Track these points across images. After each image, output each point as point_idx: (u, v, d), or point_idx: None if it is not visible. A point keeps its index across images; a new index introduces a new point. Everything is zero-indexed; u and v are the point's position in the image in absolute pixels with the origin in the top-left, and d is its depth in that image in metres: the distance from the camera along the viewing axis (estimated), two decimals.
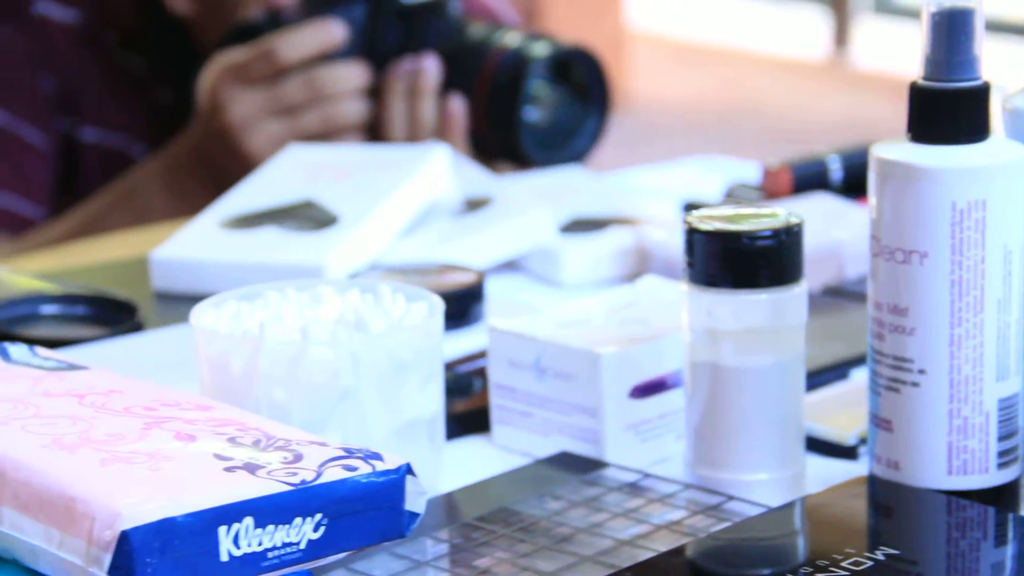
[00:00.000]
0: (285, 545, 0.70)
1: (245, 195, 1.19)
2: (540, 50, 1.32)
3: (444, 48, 1.34)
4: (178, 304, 1.12)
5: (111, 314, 1.08)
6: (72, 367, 0.82)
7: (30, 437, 0.73)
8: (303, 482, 0.71)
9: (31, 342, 0.95)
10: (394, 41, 1.35)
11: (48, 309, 1.08)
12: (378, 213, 1.14)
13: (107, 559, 0.66)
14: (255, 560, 0.69)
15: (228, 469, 0.71)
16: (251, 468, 0.71)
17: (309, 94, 1.31)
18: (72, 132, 1.43)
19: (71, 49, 1.41)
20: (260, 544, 0.69)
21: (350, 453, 0.73)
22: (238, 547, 0.69)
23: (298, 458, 0.72)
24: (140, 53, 1.42)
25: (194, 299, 1.10)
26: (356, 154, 1.22)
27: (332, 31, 1.31)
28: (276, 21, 1.34)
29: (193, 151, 1.34)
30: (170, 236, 1.19)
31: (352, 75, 1.32)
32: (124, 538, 0.66)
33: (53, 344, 0.99)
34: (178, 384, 0.82)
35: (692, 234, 0.82)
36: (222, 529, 0.69)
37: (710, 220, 0.82)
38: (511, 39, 1.33)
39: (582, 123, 1.35)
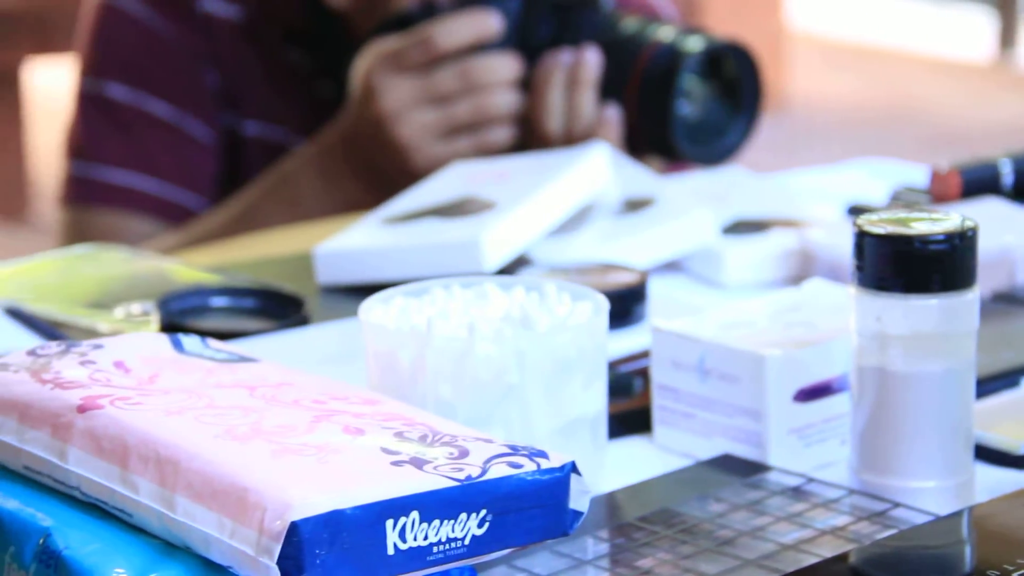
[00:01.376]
0: (450, 540, 0.71)
1: (407, 200, 1.21)
2: (694, 45, 1.32)
3: (596, 41, 1.34)
4: (342, 299, 1.14)
5: (279, 307, 1.10)
6: (243, 359, 0.83)
7: (203, 427, 0.74)
8: (468, 478, 0.71)
9: (201, 334, 0.96)
10: (547, 34, 1.35)
11: (218, 301, 1.10)
12: (535, 199, 1.14)
13: (277, 549, 0.67)
14: (420, 554, 0.70)
15: (395, 463, 0.72)
16: (418, 463, 0.72)
17: (462, 84, 1.31)
18: (235, 126, 1.45)
19: (235, 45, 1.43)
20: (425, 538, 0.70)
21: (515, 450, 0.74)
22: (404, 541, 0.70)
23: (464, 454, 0.73)
24: (302, 47, 1.44)
25: (357, 294, 1.12)
26: (518, 161, 1.23)
27: (489, 21, 1.32)
28: (430, 12, 1.34)
29: (345, 138, 1.35)
30: (331, 231, 1.20)
31: (505, 66, 1.32)
32: (294, 529, 0.67)
33: (222, 336, 1.00)
34: (344, 378, 0.83)
35: (862, 237, 0.81)
36: (389, 522, 0.69)
37: (880, 223, 0.81)
38: (665, 33, 1.33)
39: (734, 119, 1.34)
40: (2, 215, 3.57)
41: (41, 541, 0.72)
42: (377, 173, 1.33)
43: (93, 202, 1.42)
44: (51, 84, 4.03)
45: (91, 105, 1.43)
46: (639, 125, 1.33)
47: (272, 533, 0.67)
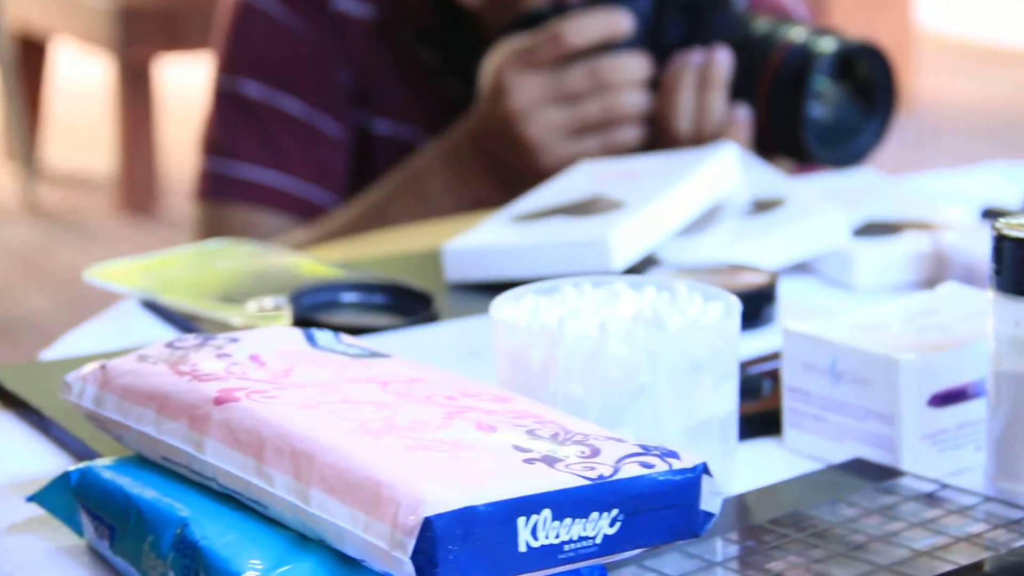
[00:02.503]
0: (581, 539, 0.71)
1: (535, 198, 1.21)
2: (826, 46, 1.31)
3: (727, 42, 1.33)
4: (469, 296, 1.14)
5: (408, 304, 1.10)
6: (375, 355, 0.84)
7: (337, 421, 0.75)
8: (600, 477, 0.71)
9: (332, 329, 0.97)
10: (678, 34, 1.34)
11: (348, 297, 1.11)
12: (664, 198, 1.14)
13: (411, 544, 0.67)
14: (552, 552, 0.70)
15: (527, 461, 0.72)
16: (549, 461, 0.72)
17: (592, 83, 1.31)
18: (366, 124, 1.46)
19: (367, 43, 1.44)
20: (557, 536, 0.70)
21: (647, 450, 0.74)
22: (536, 538, 0.70)
23: (595, 453, 0.73)
24: (433, 46, 1.45)
25: (485, 291, 1.13)
26: (646, 160, 1.23)
27: (619, 20, 1.32)
28: (561, 10, 1.34)
29: (473, 136, 1.35)
30: (458, 229, 1.21)
31: (635, 65, 1.32)
32: (428, 524, 0.68)
33: (352, 331, 1.01)
34: (472, 375, 0.84)
35: (1001, 241, 0.80)
36: (521, 520, 0.69)
37: (1020, 227, 0.80)
38: (797, 34, 1.32)
39: (866, 121, 1.33)
40: (133, 210, 3.62)
41: (178, 531, 0.73)
42: (504, 171, 1.34)
43: (227, 197, 1.44)
44: (181, 81, 4.08)
45: (226, 102, 1.44)
46: (769, 126, 1.33)
47: (406, 528, 0.68)
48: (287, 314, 1.07)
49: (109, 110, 3.72)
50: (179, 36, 3.53)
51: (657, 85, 1.33)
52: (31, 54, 3.81)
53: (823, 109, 1.32)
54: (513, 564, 0.70)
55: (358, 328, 1.03)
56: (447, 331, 1.07)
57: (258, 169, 1.43)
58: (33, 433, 0.92)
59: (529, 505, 0.69)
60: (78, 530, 0.79)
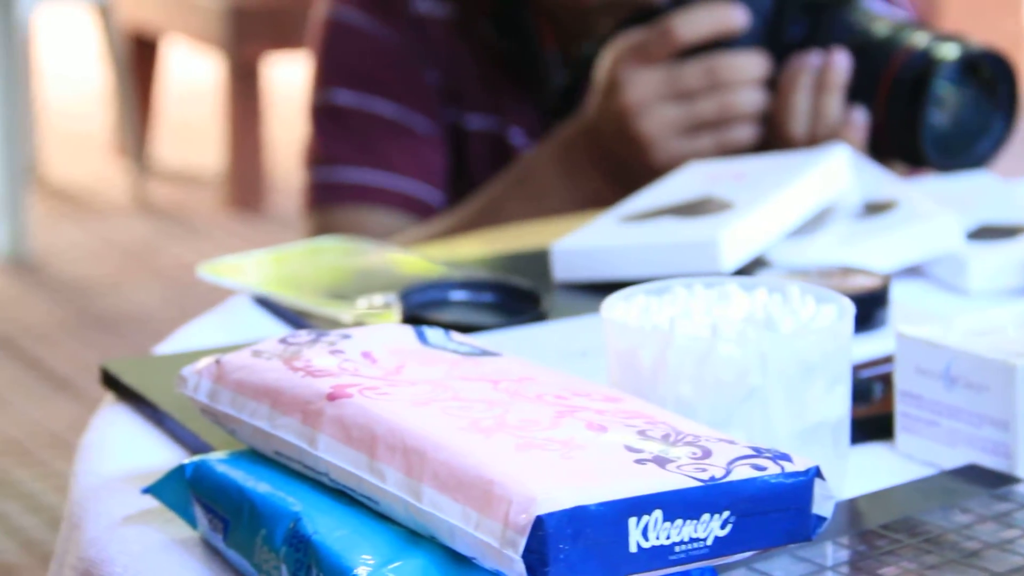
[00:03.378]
0: (692, 540, 0.71)
1: (644, 198, 1.21)
2: (949, 52, 1.29)
3: (847, 43, 1.32)
4: (577, 295, 1.14)
5: (516, 303, 1.10)
6: (485, 353, 0.84)
7: (449, 419, 0.75)
8: (712, 479, 0.71)
9: (441, 327, 0.97)
10: (798, 34, 1.33)
11: (457, 295, 1.11)
12: (774, 200, 1.13)
13: (522, 542, 0.68)
14: (662, 553, 0.70)
15: (638, 461, 0.72)
16: (661, 461, 0.72)
17: (708, 80, 1.30)
18: (458, 121, 1.46)
19: (449, 41, 1.45)
20: (668, 538, 0.70)
21: (758, 452, 0.73)
22: (647, 539, 0.70)
23: (707, 454, 0.73)
24: (511, 38, 1.45)
25: (592, 290, 1.13)
26: (756, 161, 1.22)
27: (732, 15, 1.31)
28: (679, 4, 1.34)
29: (587, 131, 1.35)
30: (567, 229, 1.21)
31: (753, 64, 1.31)
32: (539, 523, 0.68)
33: (461, 329, 1.01)
34: (581, 374, 0.84)
35: None
36: (632, 520, 0.69)
37: None
38: (919, 39, 1.30)
39: (986, 127, 1.31)
40: (240, 206, 3.65)
41: (291, 525, 0.73)
42: (617, 167, 1.33)
43: (334, 202, 1.45)
44: (289, 79, 4.11)
45: (322, 115, 1.46)
46: (886, 131, 1.31)
47: (517, 526, 0.68)
48: (396, 311, 1.08)
49: (218, 108, 3.76)
50: (287, 35, 3.56)
51: (775, 84, 1.32)
52: (143, 53, 3.85)
53: (942, 115, 1.31)
54: (623, 564, 0.69)
55: (467, 326, 1.03)
56: (555, 330, 1.07)
57: (360, 171, 1.44)
58: (147, 426, 0.93)
59: (640, 505, 0.69)
60: (192, 522, 0.80)
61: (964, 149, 1.32)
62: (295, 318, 1.09)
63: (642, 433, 0.74)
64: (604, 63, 1.33)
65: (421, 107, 1.44)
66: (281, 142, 3.87)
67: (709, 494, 0.71)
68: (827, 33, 1.32)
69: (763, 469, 0.72)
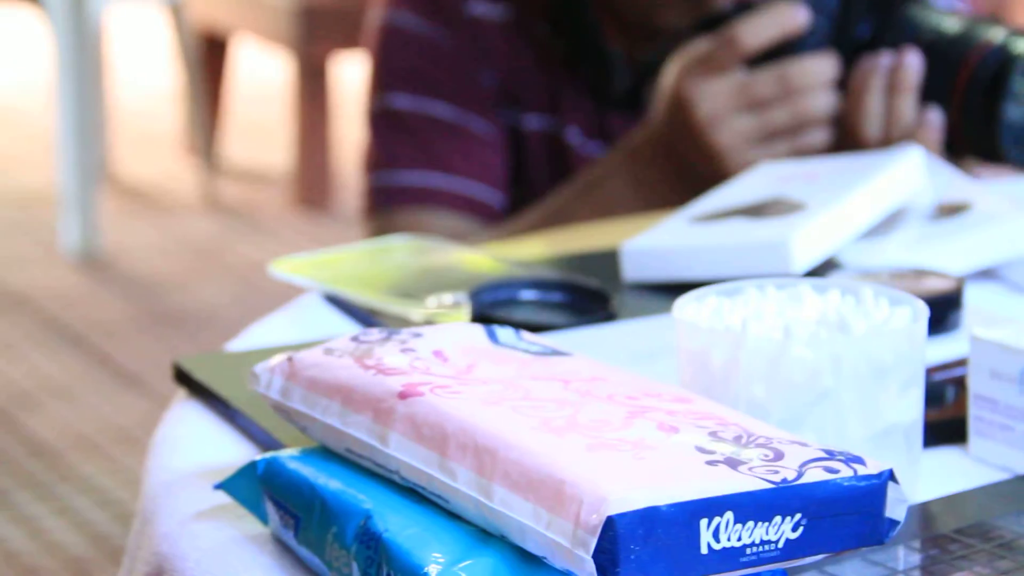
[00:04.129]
0: (763, 543, 0.70)
1: (715, 199, 1.20)
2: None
3: (918, 41, 1.31)
4: (646, 295, 1.14)
5: (586, 302, 1.10)
6: (556, 352, 0.84)
7: (520, 418, 0.75)
8: (784, 481, 0.71)
9: (511, 326, 0.97)
10: (866, 32, 1.32)
11: (526, 295, 1.11)
12: (846, 201, 1.13)
13: (593, 542, 0.67)
14: (733, 555, 0.70)
15: (710, 463, 0.72)
16: (732, 463, 0.72)
17: (780, 89, 1.29)
18: (516, 122, 1.46)
19: (506, 43, 1.45)
20: (739, 539, 0.70)
21: (831, 455, 0.73)
22: (718, 541, 0.69)
23: (779, 456, 0.72)
24: (570, 37, 1.45)
25: (661, 291, 1.12)
26: (828, 162, 1.22)
27: (794, 16, 1.30)
28: (744, 9, 1.33)
29: (658, 145, 1.34)
30: (634, 229, 1.21)
31: (823, 68, 1.30)
32: (610, 523, 0.67)
33: (530, 329, 1.01)
34: (651, 375, 0.83)
35: None
36: (703, 522, 0.69)
37: None
38: (995, 34, 1.29)
39: None
40: (307, 205, 3.67)
41: (362, 523, 0.74)
42: (690, 177, 1.33)
43: (394, 205, 1.45)
44: (357, 78, 4.11)
45: (380, 120, 1.46)
46: (964, 129, 1.30)
47: (588, 526, 0.68)
48: (466, 310, 1.08)
49: (287, 107, 3.77)
50: (356, 34, 3.57)
51: (845, 85, 1.31)
52: (213, 52, 3.87)
53: (1019, 110, 1.30)
54: (694, 566, 0.69)
55: (536, 326, 1.03)
56: (624, 330, 1.07)
57: (420, 173, 1.44)
58: (219, 422, 0.94)
59: (712, 507, 0.69)
60: (263, 519, 0.80)
61: None
62: (365, 316, 1.10)
63: (713, 434, 0.74)
64: (671, 75, 1.32)
65: (478, 108, 1.44)
66: (348, 141, 3.88)
67: (781, 496, 0.70)
68: (896, 31, 1.31)
69: (836, 472, 0.72)
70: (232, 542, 0.80)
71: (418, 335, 0.84)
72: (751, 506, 0.70)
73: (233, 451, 0.90)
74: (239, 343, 1.06)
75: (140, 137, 4.04)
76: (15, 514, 2.36)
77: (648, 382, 0.81)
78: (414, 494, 0.76)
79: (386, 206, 1.45)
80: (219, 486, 0.81)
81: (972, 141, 1.30)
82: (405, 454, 0.75)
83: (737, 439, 0.74)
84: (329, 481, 0.77)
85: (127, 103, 4.18)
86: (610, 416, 0.76)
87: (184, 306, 3.15)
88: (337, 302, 1.12)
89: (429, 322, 1.07)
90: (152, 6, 3.87)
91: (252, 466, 0.80)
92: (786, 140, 1.30)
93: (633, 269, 1.16)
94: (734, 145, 1.29)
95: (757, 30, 1.29)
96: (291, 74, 3.64)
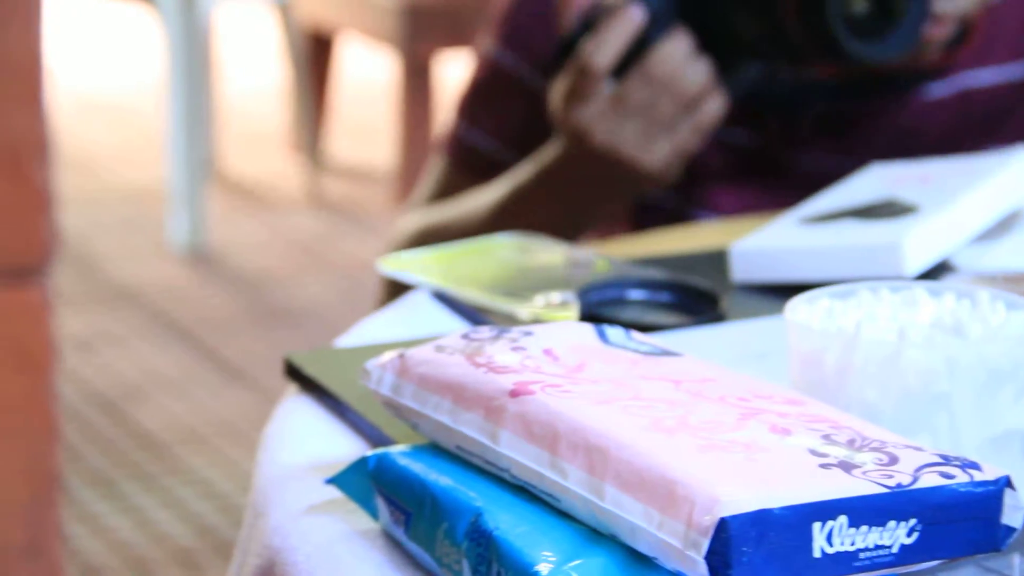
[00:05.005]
0: (877, 547, 0.70)
1: (826, 200, 1.20)
2: None
3: None
4: (755, 296, 1.13)
5: (694, 303, 1.10)
6: (666, 352, 0.84)
7: (631, 418, 0.75)
8: (899, 485, 0.70)
9: (620, 325, 0.97)
10: None
11: (635, 294, 1.11)
12: (960, 203, 1.12)
13: (705, 544, 0.67)
14: (847, 559, 0.69)
15: (823, 466, 0.71)
16: (846, 467, 0.71)
17: (650, 87, 1.29)
18: None
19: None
20: (852, 544, 0.69)
21: (946, 460, 0.72)
22: (831, 545, 0.69)
23: (893, 460, 0.72)
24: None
25: (771, 292, 1.12)
26: (942, 164, 1.20)
27: (631, 18, 1.28)
28: (589, 23, 1.31)
29: (573, 167, 1.34)
30: (744, 229, 1.20)
31: (678, 47, 1.29)
32: (723, 525, 0.67)
33: (639, 329, 1.01)
34: (760, 376, 0.83)
35: None
36: (816, 525, 0.69)
37: None
38: None
39: (903, 13, 1.26)
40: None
41: (473, 520, 0.74)
42: (611, 188, 1.33)
43: (454, 158, 1.45)
44: (460, 77, 4.13)
45: (483, 65, 1.45)
46: (802, 31, 1.26)
47: (701, 528, 0.67)
48: (574, 309, 1.08)
49: (391, 105, 3.79)
50: (461, 33, 3.58)
51: (706, 35, 1.29)
52: (320, 50, 3.90)
53: (860, 2, 1.26)
54: (807, 569, 0.69)
55: (645, 326, 1.03)
56: (734, 331, 1.06)
57: (489, 139, 1.43)
58: (329, 417, 0.94)
59: (825, 511, 0.69)
60: (373, 514, 0.81)
61: (884, 33, 1.26)
62: (472, 314, 1.10)
63: (827, 437, 0.73)
64: (554, 112, 1.32)
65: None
66: None
67: (896, 501, 0.70)
68: None
69: (952, 477, 0.71)
70: (343, 537, 0.80)
71: (528, 333, 0.84)
72: (865, 510, 0.69)
73: (343, 446, 0.91)
74: (348, 339, 1.06)
75: (247, 135, 4.07)
76: (124, 504, 2.39)
77: (759, 383, 0.80)
78: (524, 492, 0.75)
79: (450, 155, 1.44)
80: (330, 481, 0.82)
81: (808, 34, 1.26)
82: (516, 452, 0.75)
83: (851, 442, 0.73)
84: (440, 478, 0.77)
85: (234, 101, 4.22)
86: (722, 417, 0.75)
87: (288, 302, 3.17)
88: (444, 299, 1.12)
89: (537, 321, 1.07)
90: (260, 5, 3.90)
91: (363, 462, 0.80)
92: (684, 122, 1.29)
93: (742, 270, 1.16)
94: (636, 148, 1.29)
95: (604, 48, 1.28)
96: (396, 72, 3.66)
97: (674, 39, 1.29)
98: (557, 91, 1.32)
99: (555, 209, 1.34)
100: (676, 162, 1.30)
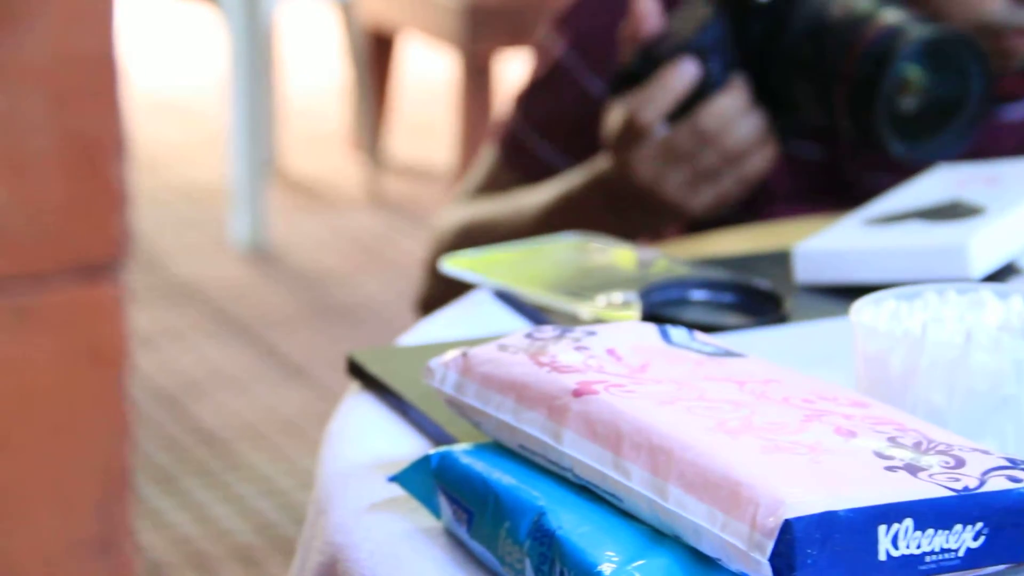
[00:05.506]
0: (943, 551, 0.69)
1: (890, 201, 1.19)
2: (918, 32, 1.23)
3: (824, 18, 1.27)
4: (818, 297, 1.13)
5: (757, 304, 1.09)
6: (729, 353, 0.83)
7: (695, 419, 0.75)
8: (965, 489, 0.70)
9: (682, 326, 0.97)
10: (759, 31, 1.29)
11: (697, 295, 1.10)
12: None
13: (769, 545, 0.67)
14: (912, 563, 0.69)
15: (889, 468, 0.71)
16: (912, 469, 0.71)
17: (698, 139, 1.30)
18: None
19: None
20: (918, 547, 0.69)
21: (1014, 464, 0.72)
22: (896, 548, 0.68)
23: (959, 464, 0.71)
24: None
25: (834, 293, 1.11)
26: (1009, 166, 1.19)
27: (684, 74, 1.28)
28: (650, 60, 1.31)
29: (620, 192, 1.34)
30: (807, 231, 1.20)
31: (731, 102, 1.29)
32: (787, 527, 0.67)
33: (701, 329, 1.00)
34: (823, 378, 0.82)
35: None
36: (881, 528, 0.68)
37: None
38: (893, 16, 1.24)
39: (952, 119, 1.25)
40: None
41: (535, 519, 0.74)
42: (646, 215, 1.33)
43: (503, 149, 1.45)
44: (519, 76, 4.13)
45: (541, 56, 1.44)
46: (847, 115, 1.25)
47: (765, 529, 0.67)
48: (636, 309, 1.07)
49: (451, 104, 3.80)
50: (521, 32, 3.58)
51: (762, 94, 1.29)
52: (380, 49, 3.91)
53: (907, 100, 1.25)
54: (872, 572, 0.68)
55: (707, 326, 1.02)
56: (797, 333, 1.06)
57: (538, 138, 1.43)
58: (391, 415, 0.94)
59: (891, 513, 0.68)
60: (435, 512, 0.81)
61: (929, 137, 1.25)
62: (534, 313, 1.10)
63: (892, 440, 0.73)
64: (606, 137, 1.32)
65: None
66: None
67: (962, 504, 0.69)
68: (788, 23, 1.28)
69: (1019, 481, 0.70)
70: (405, 534, 0.80)
71: (592, 333, 0.84)
72: (931, 514, 0.69)
73: (405, 444, 0.91)
74: (410, 338, 1.06)
75: (308, 133, 4.08)
76: (184, 500, 2.40)
77: (823, 385, 0.80)
78: (587, 492, 0.75)
79: (499, 145, 1.44)
80: (393, 479, 0.82)
81: (855, 128, 1.25)
82: (579, 452, 0.75)
83: (917, 445, 0.73)
84: (502, 477, 0.77)
85: (296, 100, 4.24)
86: (786, 419, 0.75)
87: (347, 299, 3.18)
88: (506, 298, 1.12)
89: (598, 320, 1.07)
90: (323, 4, 3.92)
91: (426, 460, 0.80)
92: (728, 173, 1.30)
93: (806, 271, 1.15)
94: (679, 193, 1.30)
95: (653, 104, 1.29)
96: (456, 71, 3.66)
97: (728, 94, 1.29)
98: (611, 119, 1.32)
99: (606, 218, 1.34)
100: (719, 206, 1.30)
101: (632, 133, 1.30)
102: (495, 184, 1.44)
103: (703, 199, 1.31)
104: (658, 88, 1.29)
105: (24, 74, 0.40)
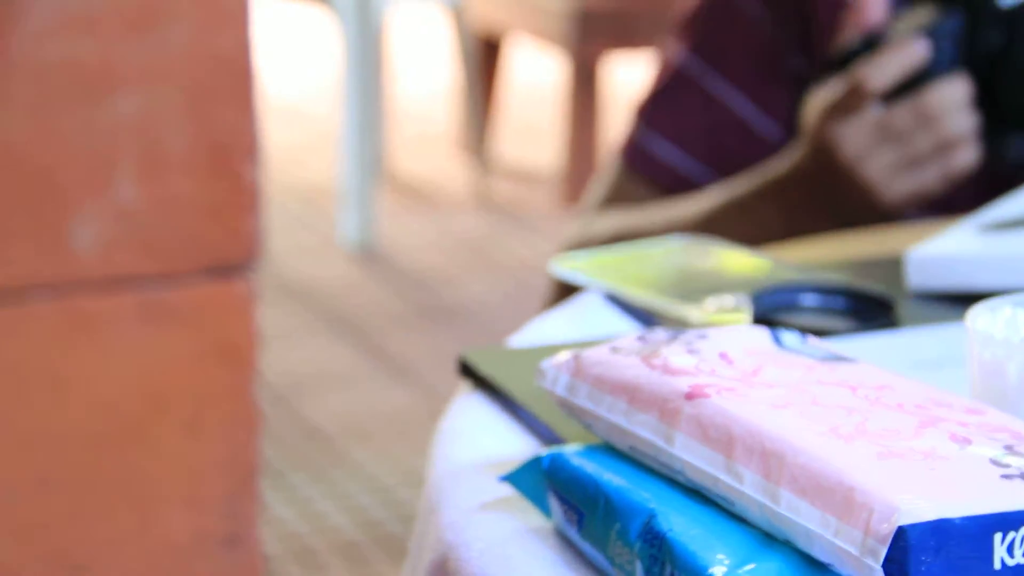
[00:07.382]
0: None
1: (1006, 208, 1.18)
2: None
3: None
4: (930, 304, 1.12)
5: (868, 309, 1.09)
6: (840, 358, 0.83)
7: (807, 423, 0.74)
8: None
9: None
10: (998, 40, 1.29)
11: (808, 299, 1.10)
12: None
13: (883, 551, 0.67)
14: None
15: (1005, 476, 0.70)
16: None
17: (917, 119, 1.29)
18: None
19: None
20: None
21: None
22: (1012, 556, 0.68)
23: None
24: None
25: (946, 300, 1.10)
26: None
27: (916, 51, 1.28)
28: (872, 43, 1.30)
29: (806, 179, 1.33)
30: (918, 236, 1.19)
31: (955, 91, 1.28)
32: (901, 533, 0.67)
33: (812, 334, 1.00)
34: (936, 385, 0.82)
35: None
36: (997, 536, 0.68)
37: None
38: None
39: None
40: (576, 204, 3.69)
41: (646, 521, 0.74)
42: (840, 208, 1.32)
43: (629, 161, 1.45)
44: (628, 79, 4.13)
45: (664, 68, 1.44)
46: None
47: (879, 535, 0.67)
48: (747, 313, 1.07)
49: (559, 107, 3.80)
50: (629, 35, 3.58)
51: (980, 100, 1.28)
52: (489, 52, 3.92)
53: None
54: None
55: (818, 331, 1.02)
56: (908, 339, 1.05)
57: (666, 145, 1.43)
58: (502, 415, 0.95)
59: (1007, 522, 0.68)
60: (546, 512, 0.81)
61: None
62: (644, 316, 1.10)
63: (1009, 448, 0.73)
64: (809, 120, 1.31)
65: (758, 98, 1.42)
66: (618, 142, 3.89)
67: None
68: None
69: None
70: (515, 534, 0.81)
71: (703, 336, 0.84)
72: None
73: (515, 445, 0.91)
74: (520, 339, 1.07)
75: (416, 135, 4.11)
76: (290, 495, 2.42)
77: (937, 391, 0.79)
78: (698, 495, 0.75)
79: (624, 158, 1.45)
80: (504, 478, 0.82)
81: None
82: (690, 455, 0.75)
83: None
84: (613, 478, 0.77)
85: (405, 102, 4.26)
86: (900, 425, 0.75)
87: (454, 300, 3.19)
88: (616, 301, 1.12)
89: (709, 324, 1.07)
90: (434, 7, 3.94)
91: (537, 460, 0.81)
92: (934, 164, 1.29)
93: (919, 277, 1.15)
94: (882, 178, 1.29)
95: (882, 72, 1.28)
96: (564, 75, 3.67)
97: (953, 82, 1.30)
98: (818, 100, 1.32)
99: (773, 225, 1.34)
100: (912, 202, 1.29)
101: (852, 102, 1.29)
102: (620, 196, 1.44)
103: (902, 187, 1.30)
104: (890, 58, 1.30)
105: (162, 75, 0.41)
